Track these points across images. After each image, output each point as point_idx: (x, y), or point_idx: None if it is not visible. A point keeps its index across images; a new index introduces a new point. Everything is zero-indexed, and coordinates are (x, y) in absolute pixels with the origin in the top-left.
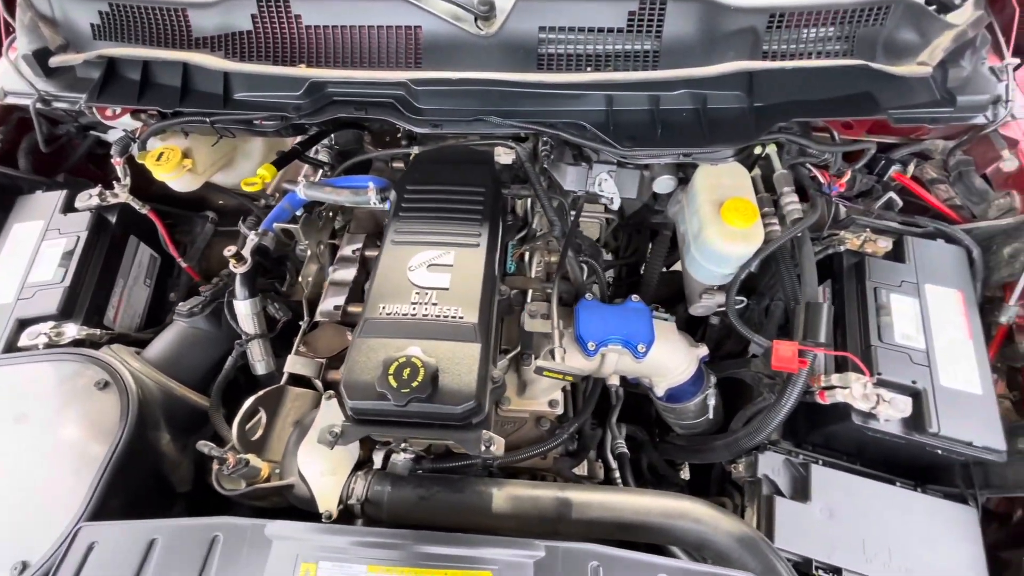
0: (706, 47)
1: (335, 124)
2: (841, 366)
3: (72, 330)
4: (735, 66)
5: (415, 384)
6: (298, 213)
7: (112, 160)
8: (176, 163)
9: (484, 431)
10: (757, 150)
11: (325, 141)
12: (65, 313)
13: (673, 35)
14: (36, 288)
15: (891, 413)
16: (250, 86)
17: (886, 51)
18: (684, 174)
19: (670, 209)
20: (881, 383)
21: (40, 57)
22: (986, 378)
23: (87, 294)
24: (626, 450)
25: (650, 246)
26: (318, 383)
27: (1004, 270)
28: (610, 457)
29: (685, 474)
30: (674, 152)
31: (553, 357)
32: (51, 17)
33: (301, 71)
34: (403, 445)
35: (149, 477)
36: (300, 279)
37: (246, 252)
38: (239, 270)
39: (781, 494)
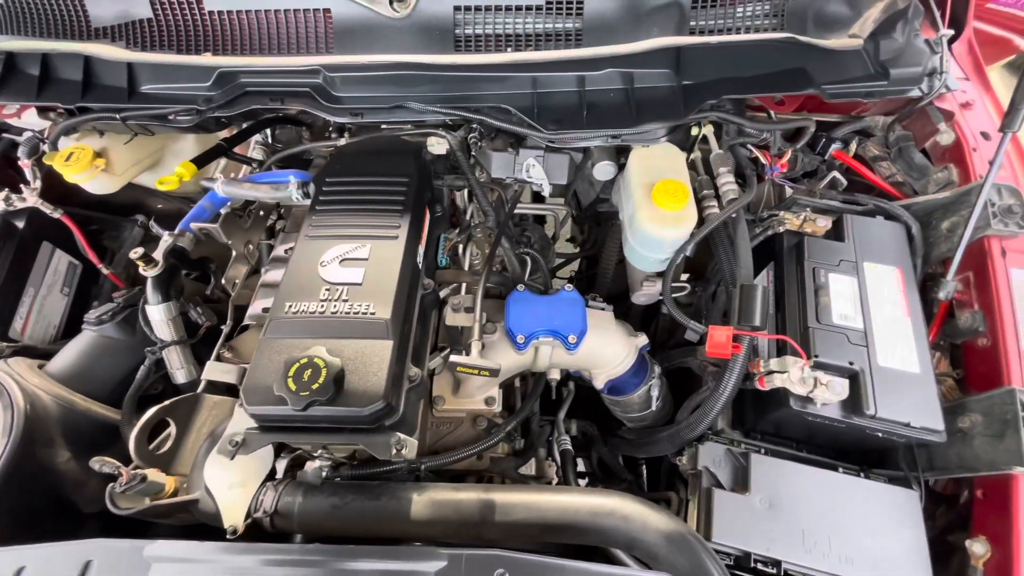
0: (630, 24)
1: (269, 120)
2: (782, 350)
3: None
4: (658, 42)
5: (315, 386)
6: (222, 211)
7: (19, 162)
8: (87, 163)
9: (395, 433)
10: (694, 131)
11: (259, 138)
12: None
13: (595, 12)
14: None
15: (828, 396)
16: (156, 78)
17: (816, 24)
18: (625, 159)
19: (613, 196)
20: (818, 366)
21: None
22: (924, 356)
23: None
24: (570, 447)
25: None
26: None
27: (943, 245)
28: (557, 454)
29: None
30: (602, 134)
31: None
32: None
33: (207, 60)
34: (319, 451)
35: (43, 498)
36: (224, 281)
37: (158, 254)
38: (149, 273)
39: (721, 486)
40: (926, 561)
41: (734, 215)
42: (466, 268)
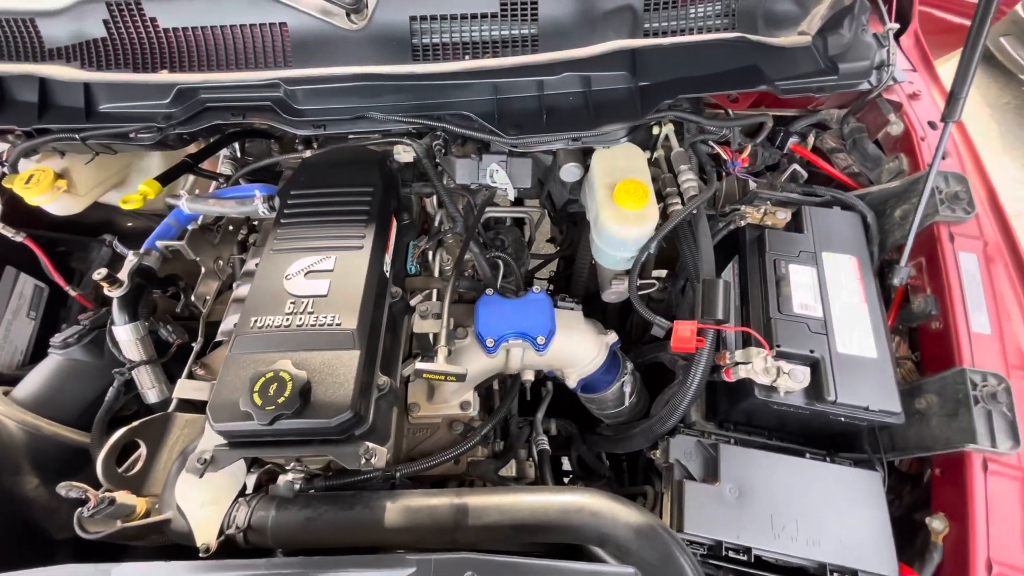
0: (585, 28)
1: (234, 134)
2: (747, 342)
3: None
4: (612, 45)
5: (281, 400)
6: (190, 228)
7: None
8: (48, 185)
9: (364, 443)
10: (655, 131)
11: (227, 152)
12: None
13: (549, 17)
14: None
15: (790, 385)
16: (113, 96)
17: (767, 23)
18: (590, 161)
19: (582, 198)
20: (781, 355)
21: None
22: (881, 341)
23: None
24: (547, 446)
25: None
26: None
27: (897, 232)
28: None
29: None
30: (562, 137)
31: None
32: None
33: (164, 77)
34: (291, 464)
35: (12, 526)
36: (194, 298)
37: (123, 274)
38: (114, 294)
39: (692, 478)
40: (889, 540)
41: (695, 211)
42: (436, 274)
